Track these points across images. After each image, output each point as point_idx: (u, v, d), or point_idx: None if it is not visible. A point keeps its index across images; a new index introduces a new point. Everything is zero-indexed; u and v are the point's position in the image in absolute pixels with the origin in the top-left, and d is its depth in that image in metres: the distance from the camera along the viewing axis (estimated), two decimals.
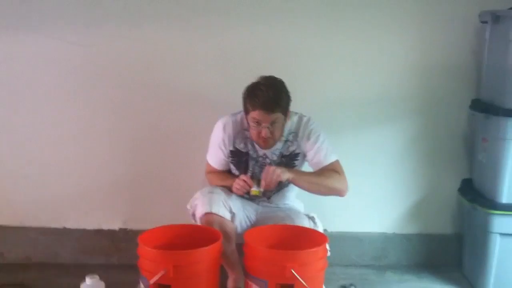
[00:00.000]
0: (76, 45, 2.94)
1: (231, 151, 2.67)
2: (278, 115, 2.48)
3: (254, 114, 2.48)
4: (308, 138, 2.61)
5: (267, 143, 2.58)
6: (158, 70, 3.00)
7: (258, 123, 2.49)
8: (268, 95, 2.43)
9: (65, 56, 2.96)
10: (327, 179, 2.55)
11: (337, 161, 2.62)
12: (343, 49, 3.01)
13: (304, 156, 2.66)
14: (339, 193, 2.58)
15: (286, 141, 2.63)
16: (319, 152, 2.60)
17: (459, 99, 3.04)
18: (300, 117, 2.66)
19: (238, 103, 2.58)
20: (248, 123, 2.56)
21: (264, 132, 2.50)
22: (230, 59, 2.99)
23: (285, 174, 2.47)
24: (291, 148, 2.64)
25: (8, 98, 2.99)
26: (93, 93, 3.00)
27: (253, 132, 2.55)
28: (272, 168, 2.48)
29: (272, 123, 2.48)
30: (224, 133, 2.65)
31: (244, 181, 2.53)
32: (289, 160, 2.64)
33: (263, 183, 2.47)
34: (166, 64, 3.00)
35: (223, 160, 2.70)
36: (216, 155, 2.71)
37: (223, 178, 2.69)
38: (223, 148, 2.67)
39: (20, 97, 2.99)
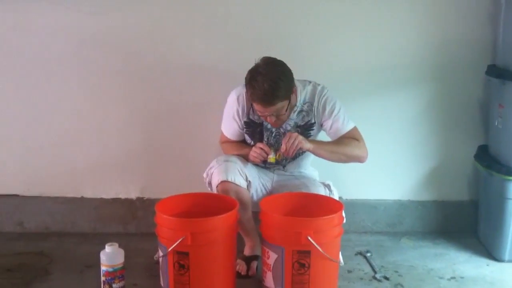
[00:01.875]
0: (88, 14, 2.93)
1: (245, 122, 2.66)
2: (279, 105, 2.44)
3: (255, 105, 2.48)
4: (324, 108, 2.59)
5: (276, 125, 2.58)
6: (173, 40, 2.99)
7: (261, 112, 2.49)
8: (264, 88, 2.37)
9: (77, 25, 2.95)
10: (346, 147, 2.55)
11: (355, 128, 2.61)
12: (355, 15, 2.98)
13: (320, 126, 2.65)
14: (359, 159, 2.59)
15: (301, 111, 2.62)
16: (336, 121, 2.59)
17: (475, 64, 3.00)
18: (314, 86, 2.63)
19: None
20: None
21: (269, 120, 2.51)
22: (238, 29, 2.96)
23: (306, 144, 2.47)
24: (306, 118, 2.63)
25: (22, 69, 3.00)
26: (107, 63, 2.99)
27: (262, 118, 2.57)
28: (295, 134, 2.47)
29: (274, 111, 2.47)
30: (238, 105, 2.63)
31: (261, 148, 2.53)
32: (304, 130, 2.63)
33: (283, 148, 2.46)
34: (179, 36, 2.98)
35: (237, 131, 2.70)
36: (230, 126, 2.70)
37: (238, 148, 2.70)
38: (237, 119, 2.66)
39: (35, 67, 3.00)
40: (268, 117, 2.50)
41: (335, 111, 2.59)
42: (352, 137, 2.58)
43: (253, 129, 2.66)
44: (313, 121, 2.63)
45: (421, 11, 2.99)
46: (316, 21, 2.97)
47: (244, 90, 2.61)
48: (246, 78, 2.46)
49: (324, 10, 2.96)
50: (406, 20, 3.00)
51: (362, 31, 3.00)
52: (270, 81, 2.38)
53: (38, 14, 2.94)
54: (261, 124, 2.64)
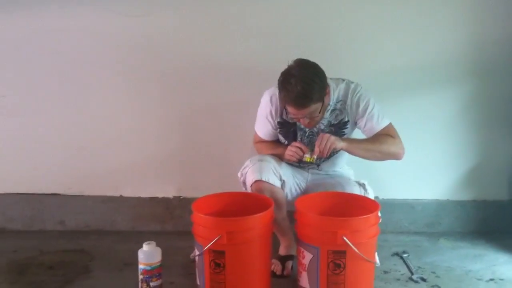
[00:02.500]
0: (126, 17, 2.98)
1: (278, 122, 2.66)
2: (312, 107, 2.42)
3: (288, 108, 2.47)
4: (358, 105, 2.57)
5: (310, 126, 2.57)
6: (208, 43, 3.02)
7: (294, 114, 2.48)
8: (297, 91, 2.35)
9: (116, 28, 3.01)
10: (382, 144, 2.52)
11: (390, 125, 2.58)
12: (393, 15, 2.95)
13: (354, 124, 2.63)
14: (396, 156, 2.55)
15: (334, 109, 2.61)
16: (370, 118, 2.56)
17: None
18: (348, 84, 2.61)
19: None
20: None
21: (302, 122, 2.50)
22: (274, 29, 2.97)
23: (339, 143, 2.46)
24: (340, 117, 2.62)
25: (64, 71, 3.07)
26: (144, 66, 3.05)
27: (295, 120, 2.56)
28: (327, 135, 2.46)
29: (308, 114, 2.45)
30: (272, 105, 2.64)
31: (298, 147, 2.53)
32: (338, 129, 2.62)
33: (317, 150, 2.45)
34: (215, 37, 3.01)
35: (271, 131, 2.71)
36: (264, 126, 2.71)
37: (273, 147, 2.70)
38: (270, 119, 2.67)
39: (76, 70, 3.07)
40: (300, 120, 2.50)
41: (369, 109, 2.56)
42: (387, 134, 2.55)
43: (287, 129, 2.67)
44: (346, 119, 2.61)
45: (458, 10, 2.95)
46: (351, 21, 2.97)
47: (278, 90, 2.62)
48: (279, 81, 2.45)
49: (359, 9, 2.95)
50: (443, 19, 2.96)
51: (399, 31, 2.97)
52: (303, 84, 2.36)
53: (80, 17, 3.01)
54: (295, 124, 2.64)
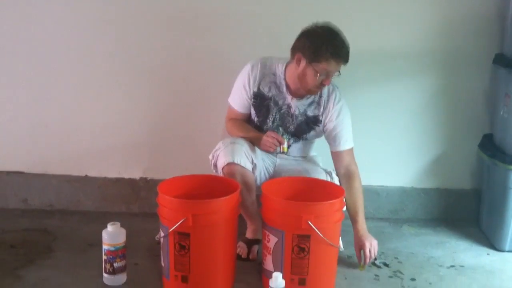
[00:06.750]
0: None
1: (254, 92, 2.65)
2: None
3: (327, 64, 2.44)
4: (334, 105, 2.60)
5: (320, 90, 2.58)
6: (178, 26, 2.98)
7: (327, 73, 2.47)
8: (346, 46, 2.45)
9: (85, 8, 2.95)
10: (362, 193, 2.60)
11: (352, 149, 2.63)
12: (360, 2, 2.96)
13: (323, 125, 2.64)
14: None
15: (313, 102, 2.62)
16: (340, 131, 2.60)
17: (482, 53, 2.99)
18: (331, 84, 2.62)
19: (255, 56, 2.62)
20: (302, 72, 2.50)
21: (329, 82, 2.50)
22: (242, 16, 2.95)
23: (375, 240, 2.54)
24: (316, 111, 2.62)
25: (28, 50, 3.00)
26: (113, 47, 3.00)
27: (311, 82, 2.50)
28: (374, 242, 2.53)
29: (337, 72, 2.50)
30: (251, 73, 2.63)
31: (275, 138, 2.52)
32: (309, 122, 2.64)
33: (367, 258, 2.51)
34: (185, 20, 2.97)
35: (245, 100, 2.68)
36: (239, 95, 2.69)
37: (244, 130, 2.68)
38: (247, 88, 2.65)
39: (41, 50, 3.00)
40: (327, 80, 2.48)
41: (346, 121, 2.60)
42: (352, 158, 2.63)
43: (261, 101, 2.65)
44: (321, 118, 2.63)
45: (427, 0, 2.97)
46: (317, 5, 2.94)
47: (261, 61, 2.64)
48: (314, 40, 2.44)
49: None
50: (412, 9, 2.98)
51: (368, 20, 2.98)
52: (347, 42, 2.47)
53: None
54: (270, 98, 2.64)
